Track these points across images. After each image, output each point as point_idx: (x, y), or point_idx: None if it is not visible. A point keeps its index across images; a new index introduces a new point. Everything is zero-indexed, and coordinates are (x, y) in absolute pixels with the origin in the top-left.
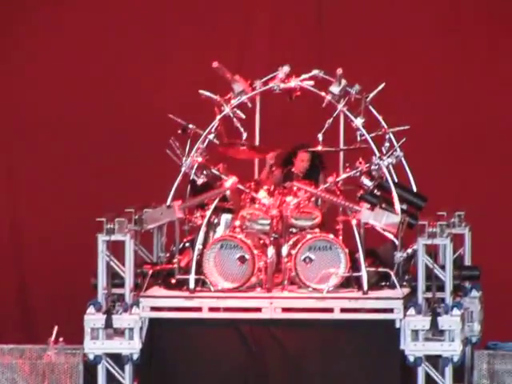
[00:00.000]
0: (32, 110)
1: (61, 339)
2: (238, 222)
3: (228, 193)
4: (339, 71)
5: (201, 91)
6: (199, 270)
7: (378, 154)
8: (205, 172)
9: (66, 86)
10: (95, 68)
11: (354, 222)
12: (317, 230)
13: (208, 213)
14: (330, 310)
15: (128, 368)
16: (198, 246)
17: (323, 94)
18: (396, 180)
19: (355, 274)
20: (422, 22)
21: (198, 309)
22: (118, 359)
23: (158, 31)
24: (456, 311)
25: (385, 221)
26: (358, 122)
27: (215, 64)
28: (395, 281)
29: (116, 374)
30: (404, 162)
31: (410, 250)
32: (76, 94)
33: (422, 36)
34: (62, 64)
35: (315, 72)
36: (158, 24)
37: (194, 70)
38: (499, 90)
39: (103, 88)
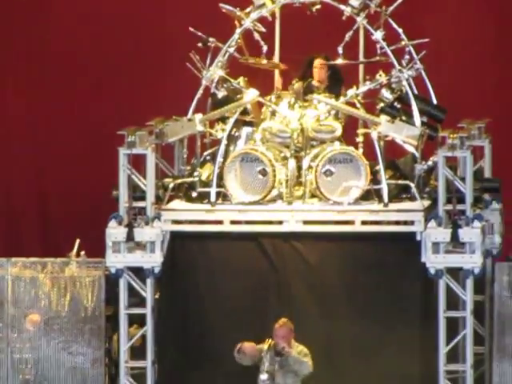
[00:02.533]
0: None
1: (82, 253)
2: (258, 135)
3: (248, 106)
4: None
5: (221, 5)
6: (220, 183)
7: (397, 67)
8: (225, 85)
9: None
10: None
11: (374, 134)
12: (337, 142)
13: (229, 126)
14: (351, 223)
15: (149, 281)
16: (219, 159)
17: (343, 6)
18: (416, 92)
19: (375, 187)
20: None
21: (219, 222)
22: (139, 272)
23: None
24: (476, 223)
25: (405, 133)
26: (378, 34)
27: None
28: (416, 193)
29: (137, 288)
30: (424, 74)
31: (430, 162)
32: (100, 13)
33: None
34: None
35: None
36: None
37: None
38: None
39: (124, 4)
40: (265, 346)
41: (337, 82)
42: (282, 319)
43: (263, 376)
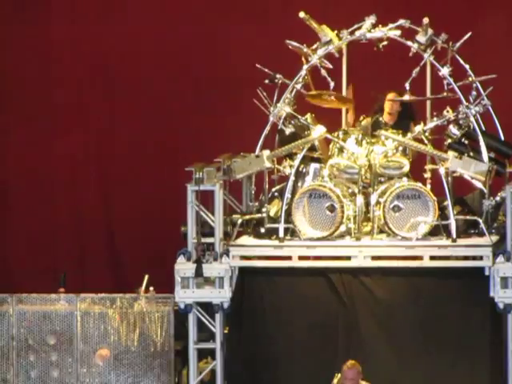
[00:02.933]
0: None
1: (151, 288)
2: (326, 171)
3: (316, 142)
4: (425, 20)
5: (288, 41)
6: (288, 219)
7: (465, 103)
8: (293, 122)
9: (150, 45)
10: (179, 24)
11: (442, 170)
12: (405, 178)
13: (296, 162)
14: (420, 258)
15: (219, 316)
16: (287, 195)
17: (410, 43)
18: (483, 128)
19: (444, 222)
20: None
21: (288, 257)
22: (208, 308)
23: None
24: None
25: (473, 169)
26: (445, 70)
27: (302, 14)
28: (484, 228)
29: (206, 323)
30: (491, 110)
31: (498, 198)
32: (162, 51)
33: None
34: (141, 25)
35: (402, 22)
36: None
37: (281, 20)
38: None
39: (194, 39)
40: (334, 381)
41: (407, 119)
42: (350, 361)
43: None
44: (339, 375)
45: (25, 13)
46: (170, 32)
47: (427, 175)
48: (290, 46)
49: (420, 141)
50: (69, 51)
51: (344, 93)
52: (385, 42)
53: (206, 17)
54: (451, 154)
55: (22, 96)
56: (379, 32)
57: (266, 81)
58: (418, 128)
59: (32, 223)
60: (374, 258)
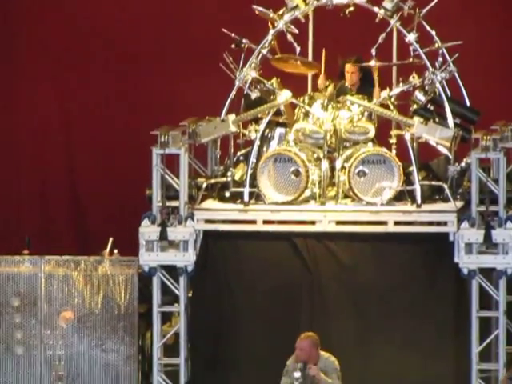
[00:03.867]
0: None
1: (115, 251)
2: (291, 136)
3: (282, 107)
4: None
5: (254, 6)
6: (253, 183)
7: (431, 69)
8: (258, 86)
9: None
10: None
11: (407, 136)
12: (370, 143)
13: (262, 127)
14: (384, 223)
15: (182, 280)
16: (252, 159)
17: (376, 9)
18: (449, 94)
19: (409, 188)
20: None
21: (252, 222)
22: (172, 271)
23: None
24: (510, 224)
25: (438, 135)
26: (411, 37)
27: None
28: (449, 194)
29: (170, 286)
30: (457, 76)
31: (463, 164)
32: (132, 12)
33: None
34: None
35: None
36: None
37: None
38: None
39: (158, 4)
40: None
41: (368, 84)
42: (305, 333)
43: (297, 374)
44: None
45: None
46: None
47: (392, 141)
48: (256, 12)
49: (386, 106)
50: (33, 18)
51: (310, 58)
52: (351, 8)
53: None
54: (417, 119)
55: None
56: None
57: (233, 45)
58: (384, 93)
59: (4, 194)
60: (339, 222)
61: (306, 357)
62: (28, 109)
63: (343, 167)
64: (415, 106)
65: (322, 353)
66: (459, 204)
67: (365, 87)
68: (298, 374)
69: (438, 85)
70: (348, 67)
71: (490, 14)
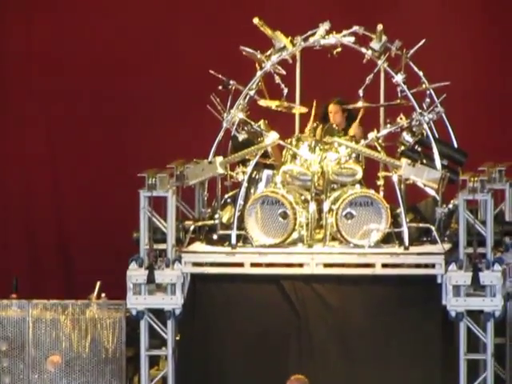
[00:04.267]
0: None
1: (103, 295)
2: (279, 178)
3: (269, 149)
4: (379, 27)
5: (242, 47)
6: (241, 225)
7: (418, 110)
8: (246, 128)
9: (103, 51)
10: (138, 29)
11: (395, 177)
12: (358, 185)
13: (249, 168)
14: (372, 266)
15: (170, 323)
16: (240, 201)
17: (364, 50)
18: (437, 136)
19: (396, 230)
20: None
21: (240, 264)
22: (160, 314)
23: None
24: (497, 266)
25: (426, 176)
26: (399, 77)
27: (256, 20)
28: (436, 236)
29: (158, 329)
30: (445, 117)
31: (451, 206)
32: (119, 55)
33: None
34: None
35: (355, 28)
36: None
37: (235, 26)
38: None
39: (144, 45)
40: None
41: (355, 124)
42: (294, 376)
43: None
44: None
45: None
46: (119, 38)
47: (380, 182)
48: (244, 52)
49: (373, 148)
50: (21, 50)
51: (297, 98)
52: (339, 49)
53: (158, 22)
54: (404, 161)
55: None
56: (333, 38)
57: (220, 87)
58: (371, 135)
59: None
60: (327, 265)
61: None
62: (15, 147)
63: (331, 209)
64: (402, 148)
65: None
66: (447, 246)
67: (350, 127)
68: None
69: (425, 126)
70: (331, 107)
71: (476, 56)
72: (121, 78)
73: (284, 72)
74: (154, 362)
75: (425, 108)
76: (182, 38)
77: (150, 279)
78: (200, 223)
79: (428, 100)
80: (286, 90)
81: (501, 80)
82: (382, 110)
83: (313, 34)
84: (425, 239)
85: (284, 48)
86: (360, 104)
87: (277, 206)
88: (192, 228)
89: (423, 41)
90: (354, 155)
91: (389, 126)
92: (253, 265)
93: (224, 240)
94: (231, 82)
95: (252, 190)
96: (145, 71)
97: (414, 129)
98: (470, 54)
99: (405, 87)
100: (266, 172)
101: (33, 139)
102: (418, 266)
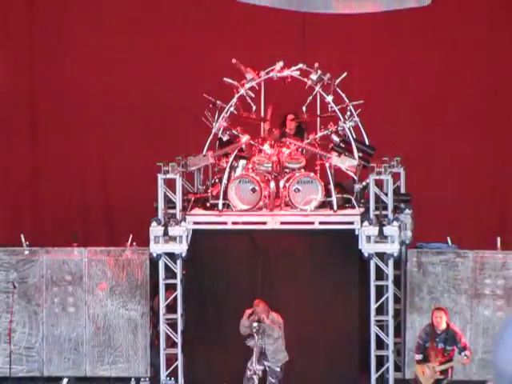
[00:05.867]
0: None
1: (134, 243)
2: (250, 165)
3: (243, 146)
4: (316, 64)
5: (225, 78)
6: (225, 197)
7: (342, 120)
8: (228, 132)
9: (130, 72)
10: (155, 58)
11: (327, 164)
12: (303, 170)
13: (230, 159)
14: (312, 223)
15: (179, 262)
16: (224, 181)
17: (306, 79)
18: (354, 136)
19: (328, 199)
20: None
21: (225, 223)
22: (172, 256)
23: (202, 38)
24: (395, 223)
25: (347, 164)
26: (329, 98)
27: (234, 60)
28: (355, 203)
29: (171, 266)
30: (360, 124)
31: (364, 183)
32: (141, 77)
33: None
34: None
35: (300, 65)
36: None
37: (221, 64)
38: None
39: (163, 74)
40: (247, 311)
41: (301, 130)
42: (257, 300)
43: (254, 324)
44: (250, 310)
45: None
46: (141, 70)
47: (317, 168)
48: (226, 82)
49: (313, 145)
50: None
51: (262, 112)
52: (289, 79)
53: (167, 56)
54: (333, 153)
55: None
56: (285, 72)
57: (211, 105)
58: (311, 136)
59: (60, 204)
60: (282, 222)
61: (262, 313)
62: (92, 148)
63: (284, 186)
64: (332, 145)
65: (272, 312)
66: (362, 210)
67: (298, 132)
68: (255, 324)
69: (347, 130)
70: (289, 117)
71: (377, 85)
72: (143, 95)
73: (253, 95)
74: (168, 287)
75: (346, 118)
76: (190, 72)
77: (165, 233)
78: (198, 196)
79: (349, 113)
80: (254, 107)
81: (398, 94)
82: (318, 119)
83: (272, 70)
84: (347, 205)
85: (252, 79)
86: (304, 116)
87: (249, 184)
88: (193, 199)
89: (345, 73)
90: (300, 150)
91: (323, 130)
92: (233, 223)
93: (214, 207)
94: (218, 102)
95: (232, 174)
96: (164, 99)
97: (339, 132)
98: (373, 85)
99: (333, 104)
100: (242, 161)
101: (91, 144)
102: (342, 223)
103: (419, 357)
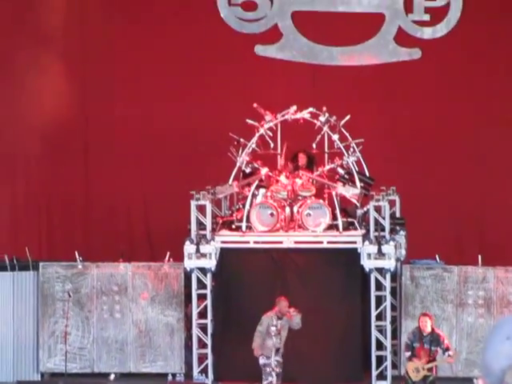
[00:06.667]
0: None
1: (171, 259)
2: (269, 194)
3: (263, 177)
4: (324, 108)
5: (247, 120)
6: (248, 220)
7: (346, 155)
8: (250, 165)
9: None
10: (189, 101)
11: (333, 193)
12: (313, 197)
13: (252, 188)
14: (321, 242)
15: (209, 275)
16: (247, 206)
17: (315, 121)
18: (357, 169)
19: (335, 222)
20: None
21: (247, 242)
22: (203, 270)
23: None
24: (391, 242)
25: (351, 192)
26: (335, 137)
27: (255, 105)
28: (357, 226)
29: (202, 279)
30: (361, 159)
31: (365, 209)
32: (177, 118)
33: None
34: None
35: (311, 109)
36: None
37: (244, 107)
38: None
39: (196, 115)
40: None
41: (311, 163)
42: (280, 296)
43: (276, 321)
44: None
45: None
46: (178, 112)
47: (325, 195)
48: (248, 123)
49: (321, 176)
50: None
51: (279, 149)
52: (301, 120)
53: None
54: (339, 183)
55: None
56: (298, 115)
57: (235, 142)
58: (320, 169)
59: (109, 226)
60: (296, 242)
61: (287, 308)
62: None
63: (298, 211)
64: (338, 176)
65: (292, 309)
66: (363, 231)
67: (309, 165)
68: (277, 321)
69: (350, 164)
70: (300, 154)
71: (375, 126)
72: (178, 133)
73: (271, 134)
74: (199, 297)
75: (350, 154)
76: (217, 113)
77: (197, 250)
78: (225, 219)
79: (352, 149)
80: (272, 144)
81: (394, 134)
82: (326, 155)
83: (287, 113)
84: (351, 228)
85: (271, 120)
86: (314, 151)
87: (268, 209)
88: (220, 222)
89: (348, 116)
90: (311, 180)
91: (330, 163)
92: (254, 242)
93: (238, 228)
94: (241, 139)
95: (254, 200)
96: (196, 137)
97: (344, 165)
98: (371, 125)
99: (339, 142)
100: (262, 190)
101: (134, 174)
102: (347, 242)
103: (408, 354)
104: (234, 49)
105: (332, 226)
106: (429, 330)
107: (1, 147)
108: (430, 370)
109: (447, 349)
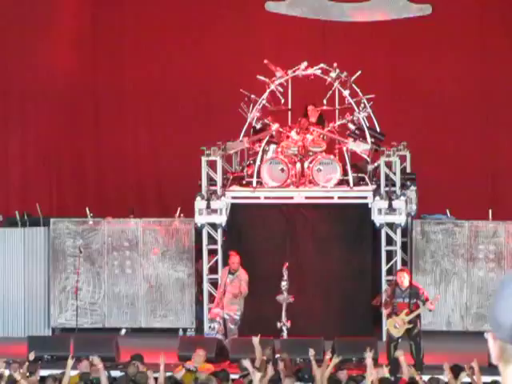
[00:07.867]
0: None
1: (182, 214)
2: (279, 149)
3: (274, 133)
4: (335, 64)
5: (258, 76)
6: (258, 176)
7: (357, 110)
8: (260, 121)
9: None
10: (200, 58)
11: (344, 148)
12: (324, 153)
13: (263, 144)
14: (332, 198)
15: (219, 231)
16: (258, 162)
17: (326, 77)
18: (367, 125)
19: (345, 177)
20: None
21: (258, 197)
22: (213, 226)
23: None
24: (402, 197)
25: (362, 147)
26: (346, 92)
27: (266, 61)
28: (368, 181)
29: (213, 234)
30: (372, 114)
31: (376, 164)
32: (189, 75)
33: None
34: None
35: (322, 65)
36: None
37: (255, 63)
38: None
39: (207, 72)
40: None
41: (322, 119)
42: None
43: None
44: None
45: None
46: (189, 69)
47: (336, 151)
48: (259, 79)
49: (332, 132)
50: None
51: (289, 105)
52: (312, 77)
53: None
54: (350, 139)
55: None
56: (309, 71)
57: (246, 98)
58: (331, 125)
59: (119, 182)
60: (307, 197)
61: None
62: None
63: (308, 166)
64: (348, 132)
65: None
66: (374, 187)
67: (320, 121)
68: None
69: (361, 119)
70: (310, 108)
71: (388, 81)
72: (191, 88)
73: (282, 89)
74: (210, 252)
75: (361, 109)
76: (231, 72)
77: (208, 206)
78: (235, 174)
79: (362, 105)
80: (282, 100)
81: (405, 89)
82: (337, 110)
83: (298, 68)
84: (361, 183)
85: (281, 76)
86: (325, 107)
87: (278, 164)
88: (231, 177)
89: (359, 72)
90: (321, 136)
91: (341, 119)
92: (265, 198)
93: (249, 184)
94: (252, 96)
95: (264, 156)
96: (207, 93)
97: (354, 121)
98: (384, 81)
99: (349, 98)
100: (272, 146)
101: (145, 130)
102: (358, 197)
103: (387, 311)
104: (245, 5)
105: (342, 182)
106: (407, 284)
107: (12, 104)
108: (412, 322)
109: (426, 299)
